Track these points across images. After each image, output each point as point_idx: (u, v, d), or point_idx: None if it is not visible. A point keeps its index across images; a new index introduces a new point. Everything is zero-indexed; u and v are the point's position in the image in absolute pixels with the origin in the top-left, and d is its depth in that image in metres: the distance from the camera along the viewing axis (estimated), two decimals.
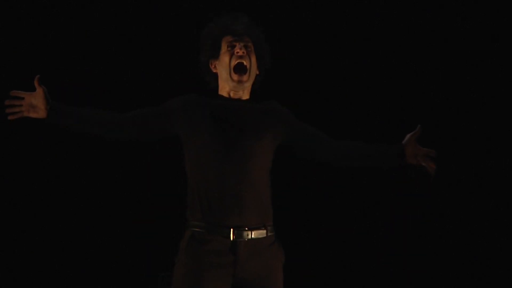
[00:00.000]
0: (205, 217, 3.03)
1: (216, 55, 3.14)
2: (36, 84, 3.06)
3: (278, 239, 3.13)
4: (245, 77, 3.10)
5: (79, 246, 4.74)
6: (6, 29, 4.63)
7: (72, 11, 4.67)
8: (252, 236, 3.03)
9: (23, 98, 3.07)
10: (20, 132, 4.68)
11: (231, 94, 3.13)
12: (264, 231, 3.06)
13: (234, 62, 3.09)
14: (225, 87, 3.14)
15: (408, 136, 3.22)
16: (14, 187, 4.70)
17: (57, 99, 4.62)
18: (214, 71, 3.17)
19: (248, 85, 3.13)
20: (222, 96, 3.15)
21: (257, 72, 3.18)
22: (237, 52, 3.09)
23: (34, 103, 3.08)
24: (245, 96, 3.15)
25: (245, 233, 3.02)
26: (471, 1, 4.69)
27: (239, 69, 3.09)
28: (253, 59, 3.12)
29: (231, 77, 3.09)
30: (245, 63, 3.09)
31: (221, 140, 3.02)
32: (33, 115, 3.09)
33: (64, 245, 4.73)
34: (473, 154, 4.75)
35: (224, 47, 3.12)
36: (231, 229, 3.01)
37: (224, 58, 3.11)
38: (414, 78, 4.76)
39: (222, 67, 3.11)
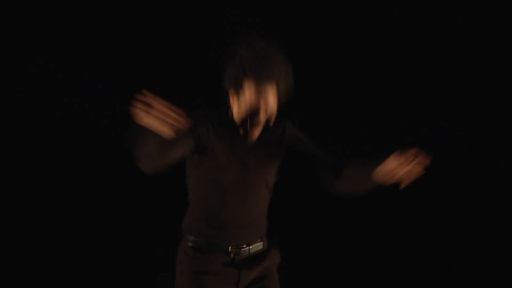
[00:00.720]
0: (203, 232, 3.05)
1: (237, 91, 3.04)
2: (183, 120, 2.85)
3: (274, 243, 3.15)
4: (258, 129, 3.06)
5: (79, 246, 4.74)
6: (6, 27, 4.64)
7: (72, 10, 4.67)
8: (250, 251, 3.09)
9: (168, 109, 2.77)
10: (21, 130, 4.68)
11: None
12: (261, 243, 3.13)
13: (251, 111, 2.99)
14: (240, 117, 3.07)
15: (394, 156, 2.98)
16: (15, 187, 4.70)
17: (56, 97, 4.64)
18: (233, 100, 3.07)
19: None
20: (235, 123, 3.07)
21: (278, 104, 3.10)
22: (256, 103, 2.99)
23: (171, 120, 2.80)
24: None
25: (243, 250, 3.07)
26: (471, 1, 4.69)
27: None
28: (273, 101, 3.02)
29: (246, 124, 3.04)
30: (262, 118, 3.02)
31: (234, 162, 3.03)
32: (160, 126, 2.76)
33: (64, 245, 4.73)
34: (473, 153, 4.75)
35: (246, 88, 3.01)
36: (230, 247, 3.05)
37: (245, 100, 3.01)
38: (414, 78, 4.76)
39: (241, 108, 3.02)
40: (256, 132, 3.06)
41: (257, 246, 3.11)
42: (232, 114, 3.08)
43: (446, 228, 4.77)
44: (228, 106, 3.10)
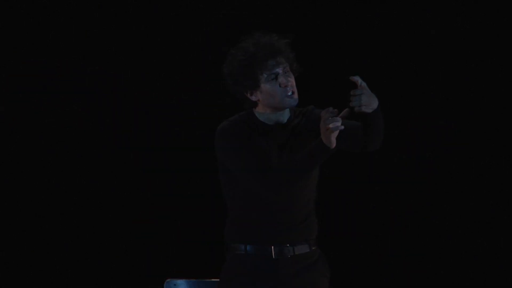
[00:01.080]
0: (245, 237, 2.98)
1: (253, 86, 2.99)
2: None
3: (322, 253, 3.08)
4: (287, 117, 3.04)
5: (80, 247, 4.74)
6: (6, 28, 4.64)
7: (72, 10, 4.67)
8: (295, 252, 2.99)
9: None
10: (21, 130, 4.69)
11: (274, 118, 3.02)
12: (307, 246, 3.02)
13: (286, 92, 2.97)
14: (268, 109, 3.02)
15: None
16: (15, 187, 4.71)
17: (56, 97, 4.64)
18: (254, 99, 3.02)
19: None
20: (265, 124, 3.03)
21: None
22: (284, 85, 2.96)
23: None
24: (286, 113, 3.06)
25: (286, 249, 2.98)
26: (471, 1, 4.69)
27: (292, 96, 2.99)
28: (293, 78, 3.01)
29: (286, 104, 2.99)
30: (295, 92, 2.99)
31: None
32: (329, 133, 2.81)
33: (64, 246, 4.73)
34: (473, 153, 4.75)
35: (263, 78, 2.97)
36: (272, 247, 2.97)
37: (271, 87, 2.96)
38: (414, 78, 4.76)
39: (271, 96, 2.98)
40: (288, 121, 3.03)
41: (302, 248, 3.00)
42: (255, 115, 3.03)
43: (446, 228, 4.76)
44: (247, 109, 3.04)
